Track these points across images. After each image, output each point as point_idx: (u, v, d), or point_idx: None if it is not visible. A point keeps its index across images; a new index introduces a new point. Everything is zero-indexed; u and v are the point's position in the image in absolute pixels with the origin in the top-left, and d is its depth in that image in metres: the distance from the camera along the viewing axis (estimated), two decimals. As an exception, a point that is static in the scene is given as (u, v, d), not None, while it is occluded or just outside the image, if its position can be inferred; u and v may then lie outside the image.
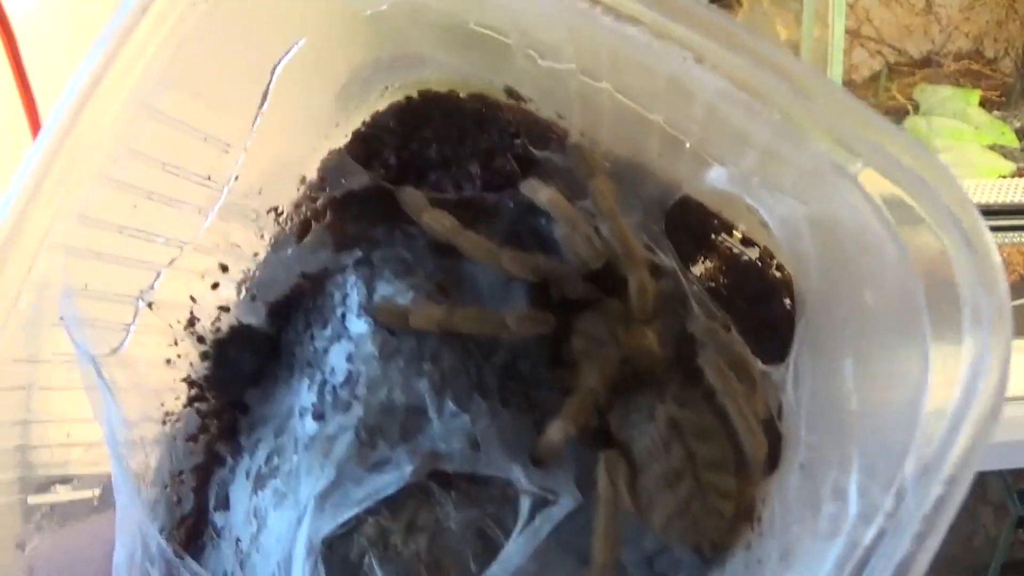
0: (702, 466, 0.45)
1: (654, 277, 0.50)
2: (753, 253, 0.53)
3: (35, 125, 0.81)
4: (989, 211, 1.09)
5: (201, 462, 0.53)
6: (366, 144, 0.54)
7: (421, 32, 0.49)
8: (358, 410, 0.47)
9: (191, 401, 0.52)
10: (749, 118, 0.37)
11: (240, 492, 0.52)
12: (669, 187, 0.49)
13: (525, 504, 0.47)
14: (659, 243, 0.50)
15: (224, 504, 0.53)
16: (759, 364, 0.48)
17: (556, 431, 0.45)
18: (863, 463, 0.39)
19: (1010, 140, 1.28)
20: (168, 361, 0.51)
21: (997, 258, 0.34)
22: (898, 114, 1.32)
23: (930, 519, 0.33)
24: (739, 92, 0.36)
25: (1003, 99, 1.37)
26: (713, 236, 0.54)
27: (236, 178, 0.49)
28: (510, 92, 0.50)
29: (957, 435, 0.33)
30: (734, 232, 0.53)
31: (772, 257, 0.53)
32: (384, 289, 0.50)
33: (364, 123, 0.54)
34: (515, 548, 0.47)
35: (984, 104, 1.33)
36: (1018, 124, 1.30)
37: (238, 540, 0.51)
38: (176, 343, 0.51)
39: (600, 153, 0.48)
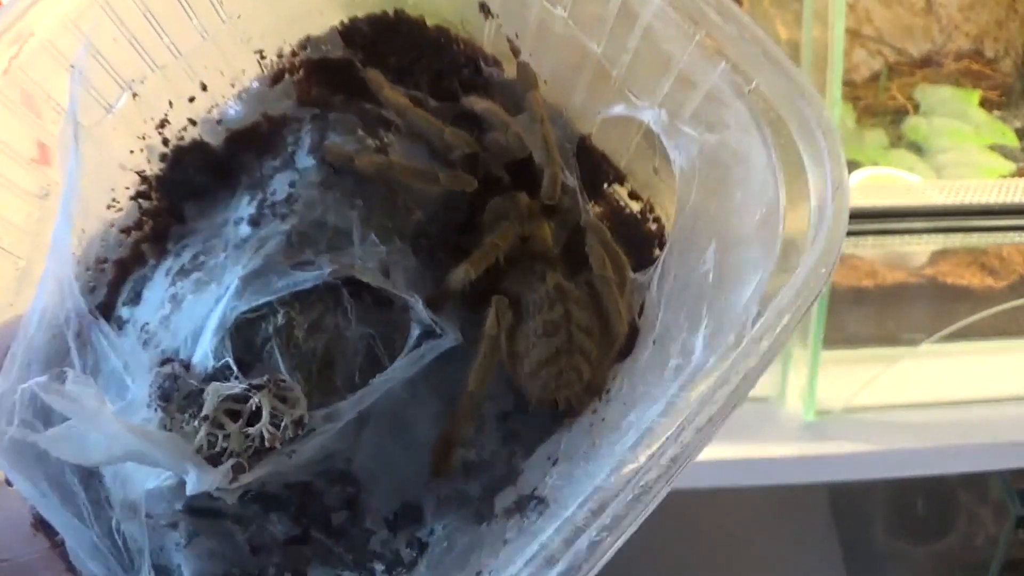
0: (576, 326, 0.54)
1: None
2: (636, 207, 0.64)
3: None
4: (989, 211, 1.08)
5: (125, 256, 0.59)
6: (343, 36, 0.63)
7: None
8: (293, 220, 0.55)
9: (138, 195, 0.58)
10: (676, 39, 0.49)
11: (156, 289, 0.57)
12: (586, 119, 0.60)
13: (415, 333, 0.55)
14: (568, 164, 0.61)
15: (135, 300, 0.58)
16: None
17: (460, 272, 0.54)
18: (712, 320, 0.49)
19: (1010, 140, 1.28)
20: (132, 152, 0.57)
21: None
22: (898, 114, 1.33)
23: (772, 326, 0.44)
24: (674, 12, 0.48)
25: (1003, 99, 1.35)
26: (606, 185, 0.65)
27: (239, 16, 0.58)
28: (482, 6, 0.61)
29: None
30: (625, 184, 0.64)
31: (652, 211, 0.64)
32: (335, 139, 0.59)
33: (342, 22, 0.64)
34: (398, 366, 0.54)
35: (984, 104, 1.34)
36: (1018, 124, 1.30)
37: (145, 324, 0.56)
38: (144, 138, 0.57)
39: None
